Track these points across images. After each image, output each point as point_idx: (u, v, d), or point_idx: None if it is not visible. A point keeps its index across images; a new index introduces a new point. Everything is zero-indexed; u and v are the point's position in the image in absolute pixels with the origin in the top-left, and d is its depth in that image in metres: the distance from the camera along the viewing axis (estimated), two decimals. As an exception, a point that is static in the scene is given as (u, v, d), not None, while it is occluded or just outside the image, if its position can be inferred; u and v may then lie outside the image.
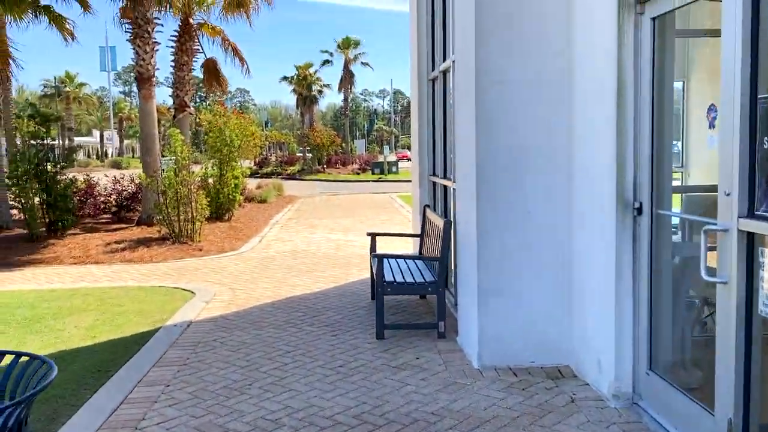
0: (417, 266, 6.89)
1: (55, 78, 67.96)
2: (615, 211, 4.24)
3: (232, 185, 15.89)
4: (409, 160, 73.97)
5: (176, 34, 16.69)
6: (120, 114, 78.27)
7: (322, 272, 9.60)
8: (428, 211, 7.65)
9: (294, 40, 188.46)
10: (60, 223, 12.93)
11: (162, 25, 15.54)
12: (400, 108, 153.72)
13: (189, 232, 12.49)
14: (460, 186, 5.87)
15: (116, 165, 58.87)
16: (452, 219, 6.48)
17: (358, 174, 43.99)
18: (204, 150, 18.68)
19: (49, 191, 12.79)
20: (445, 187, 7.77)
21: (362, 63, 57.75)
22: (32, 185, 12.65)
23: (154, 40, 14.15)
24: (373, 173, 42.57)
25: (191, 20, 16.94)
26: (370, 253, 7.69)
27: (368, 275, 9.13)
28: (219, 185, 15.84)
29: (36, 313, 7.46)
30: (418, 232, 8.69)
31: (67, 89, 67.63)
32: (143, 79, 13.98)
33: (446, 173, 7.74)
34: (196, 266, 10.35)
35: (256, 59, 48.20)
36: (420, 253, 7.75)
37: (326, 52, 57.08)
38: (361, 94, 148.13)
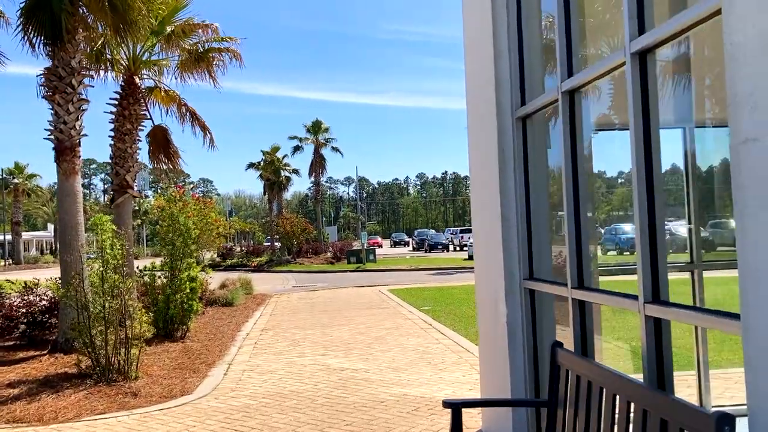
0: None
1: (2, 170, 63.28)
2: None
3: (188, 290, 11.85)
4: (380, 246, 70.53)
5: (117, 95, 13.00)
6: (73, 206, 73.39)
7: (335, 447, 5.67)
8: (567, 358, 3.87)
9: (257, 131, 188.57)
10: (-73, 357, 8.77)
11: (93, 78, 11.87)
12: (365, 195, 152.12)
13: (121, 363, 8.48)
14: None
15: (66, 260, 53.78)
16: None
17: (333, 263, 40.17)
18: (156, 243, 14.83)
19: None
20: (583, 305, 4.10)
21: (332, 148, 55.83)
22: None
23: (80, 96, 10.30)
24: (349, 262, 38.79)
25: (136, 79, 13.30)
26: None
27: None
28: (170, 290, 11.82)
29: None
30: (504, 389, 4.91)
31: (16, 181, 62.99)
32: (64, 148, 10.05)
33: (582, 280, 4.09)
34: (123, 434, 6.33)
35: (220, 147, 44.98)
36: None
37: (295, 137, 54.60)
38: (326, 182, 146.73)
